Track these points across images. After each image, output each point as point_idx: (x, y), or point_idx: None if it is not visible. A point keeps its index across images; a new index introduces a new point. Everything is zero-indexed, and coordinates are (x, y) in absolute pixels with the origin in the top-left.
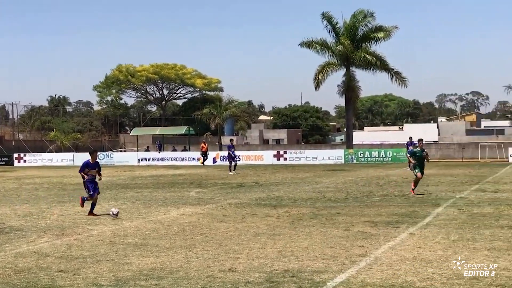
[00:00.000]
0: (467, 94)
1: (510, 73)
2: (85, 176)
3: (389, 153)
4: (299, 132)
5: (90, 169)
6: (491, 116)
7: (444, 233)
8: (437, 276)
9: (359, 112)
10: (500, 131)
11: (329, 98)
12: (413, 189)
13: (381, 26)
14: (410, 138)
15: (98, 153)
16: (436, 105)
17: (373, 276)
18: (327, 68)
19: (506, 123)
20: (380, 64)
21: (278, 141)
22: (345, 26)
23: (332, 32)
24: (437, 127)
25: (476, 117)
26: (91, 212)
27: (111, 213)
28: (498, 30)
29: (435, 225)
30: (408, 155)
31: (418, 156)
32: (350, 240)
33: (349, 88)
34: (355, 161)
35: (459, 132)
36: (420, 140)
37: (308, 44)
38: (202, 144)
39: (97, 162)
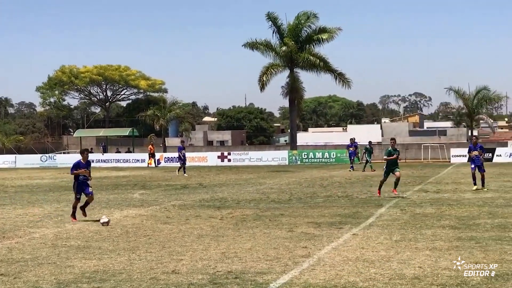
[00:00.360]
0: (410, 95)
1: (452, 75)
2: (81, 172)
3: (333, 154)
4: (243, 133)
5: (82, 169)
6: (433, 117)
7: (386, 233)
8: (379, 276)
9: (303, 113)
10: (442, 132)
11: (273, 100)
12: (394, 189)
13: (325, 28)
14: (351, 139)
15: (42, 155)
16: (380, 106)
17: (316, 276)
18: (271, 70)
19: (448, 124)
20: (323, 65)
21: (222, 143)
22: (288, 27)
23: (277, 33)
24: (381, 128)
25: (419, 118)
26: (83, 211)
27: (100, 220)
28: (440, 32)
29: (378, 226)
30: (385, 156)
31: (393, 156)
32: (293, 241)
33: (293, 89)
34: (299, 162)
35: (402, 133)
36: (393, 139)
37: (252, 45)
38: (150, 146)
39: (89, 162)
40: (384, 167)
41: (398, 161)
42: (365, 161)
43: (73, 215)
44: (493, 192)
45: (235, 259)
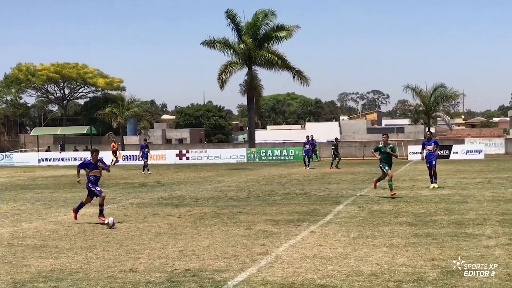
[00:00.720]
0: (368, 92)
1: (409, 72)
2: (79, 175)
3: (291, 151)
4: (201, 131)
5: (91, 170)
6: (391, 114)
7: (344, 230)
8: (336, 273)
9: (262, 111)
10: (400, 129)
11: (231, 97)
12: (375, 183)
13: (283, 25)
14: (307, 137)
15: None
16: (338, 104)
17: (273, 274)
18: (230, 68)
19: (405, 121)
20: (281, 63)
21: (180, 140)
22: (246, 25)
23: (235, 30)
24: (339, 126)
25: (377, 116)
26: (101, 216)
27: (107, 221)
28: (397, 30)
29: (335, 223)
30: (373, 150)
31: (383, 152)
32: (251, 238)
33: (251, 87)
34: (257, 160)
35: (360, 130)
36: (385, 135)
37: (210, 43)
38: (113, 144)
39: (99, 160)
40: (379, 166)
41: (394, 158)
42: (332, 158)
43: (101, 214)
44: (450, 188)
45: (193, 257)
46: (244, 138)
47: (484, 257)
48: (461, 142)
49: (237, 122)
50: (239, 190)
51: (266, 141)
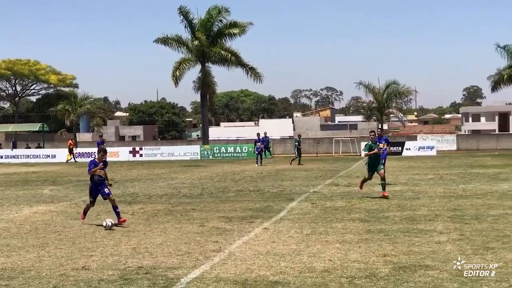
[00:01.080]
0: (322, 89)
1: (362, 69)
2: (98, 168)
3: (245, 148)
4: (155, 128)
5: (97, 169)
6: (345, 111)
7: (297, 227)
8: (289, 270)
9: (216, 108)
10: (353, 126)
11: (185, 94)
12: (360, 185)
13: (236, 22)
14: (258, 134)
15: None
16: (292, 101)
17: (227, 271)
18: (184, 64)
19: (359, 118)
20: (235, 60)
21: (134, 138)
22: (200, 21)
23: (188, 27)
24: (293, 122)
25: (331, 112)
26: (119, 219)
27: (104, 223)
28: (350, 29)
29: (289, 220)
30: (365, 152)
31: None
32: (204, 235)
33: (205, 84)
34: (211, 157)
35: (314, 127)
36: (372, 132)
37: (164, 41)
38: (70, 141)
39: (105, 161)
40: (365, 164)
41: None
42: (296, 155)
43: (84, 213)
44: (402, 185)
45: (146, 255)
46: (197, 135)
47: (435, 252)
48: (414, 138)
49: (191, 119)
50: (192, 187)
51: (219, 138)
